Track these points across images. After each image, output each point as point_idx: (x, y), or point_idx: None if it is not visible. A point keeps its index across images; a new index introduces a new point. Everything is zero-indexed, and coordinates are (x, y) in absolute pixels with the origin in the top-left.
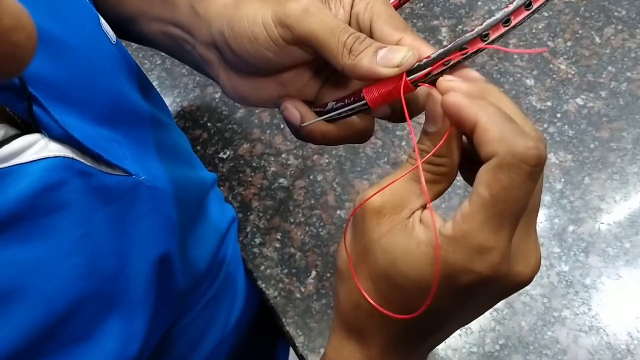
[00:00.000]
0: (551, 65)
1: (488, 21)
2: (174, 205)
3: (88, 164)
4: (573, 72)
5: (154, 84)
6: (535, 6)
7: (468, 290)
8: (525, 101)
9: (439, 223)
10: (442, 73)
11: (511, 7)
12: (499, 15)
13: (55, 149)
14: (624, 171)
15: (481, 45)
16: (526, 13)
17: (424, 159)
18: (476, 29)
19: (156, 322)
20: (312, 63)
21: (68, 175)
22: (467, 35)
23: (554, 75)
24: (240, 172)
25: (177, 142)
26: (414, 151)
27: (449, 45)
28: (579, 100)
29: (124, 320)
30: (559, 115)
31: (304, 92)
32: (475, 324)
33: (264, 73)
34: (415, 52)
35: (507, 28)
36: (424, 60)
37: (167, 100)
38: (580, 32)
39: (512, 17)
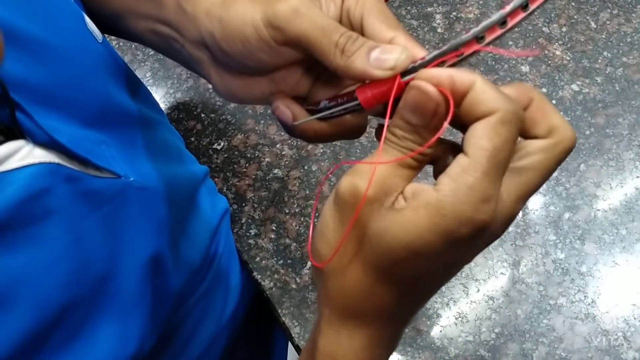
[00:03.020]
0: (546, 52)
1: (484, 23)
2: (164, 205)
3: (75, 168)
4: (568, 58)
5: (147, 75)
6: (532, 7)
7: (470, 240)
8: None
9: (427, 187)
10: None
11: (508, 8)
12: (495, 16)
13: (40, 155)
14: (619, 157)
15: (477, 47)
16: (523, 15)
17: (415, 152)
18: (472, 31)
19: (153, 320)
20: (305, 60)
21: (54, 181)
22: (463, 37)
23: (549, 62)
24: (235, 163)
25: (167, 139)
26: (392, 135)
27: (444, 47)
28: (575, 87)
29: (117, 321)
30: (554, 101)
31: (297, 89)
32: (471, 313)
33: (255, 72)
34: (409, 52)
35: (503, 30)
36: (419, 61)
37: (160, 91)
38: (575, 17)
39: (508, 19)
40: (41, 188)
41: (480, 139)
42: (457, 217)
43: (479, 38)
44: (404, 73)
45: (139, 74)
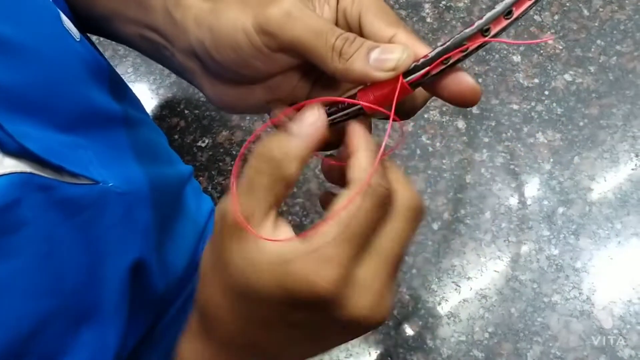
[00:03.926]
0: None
1: (488, 14)
2: (147, 208)
3: (48, 176)
4: (561, 47)
5: (129, 70)
6: None
7: (308, 305)
8: (512, 79)
9: (289, 234)
10: (441, 72)
11: None
12: (499, 7)
13: (10, 165)
14: (614, 149)
15: (482, 40)
16: (529, 3)
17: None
18: (476, 24)
19: (133, 327)
20: (301, 65)
21: (26, 191)
22: (467, 30)
23: (541, 51)
24: (220, 161)
25: (151, 139)
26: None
27: (448, 43)
28: (567, 77)
29: (96, 332)
30: (546, 92)
31: (294, 95)
32: (463, 312)
33: (250, 80)
34: (411, 51)
35: (509, 21)
36: (421, 60)
37: (142, 87)
38: (567, 4)
39: (514, 9)
40: (12, 199)
41: (336, 204)
42: (298, 276)
43: (484, 31)
44: (407, 73)
45: (120, 70)
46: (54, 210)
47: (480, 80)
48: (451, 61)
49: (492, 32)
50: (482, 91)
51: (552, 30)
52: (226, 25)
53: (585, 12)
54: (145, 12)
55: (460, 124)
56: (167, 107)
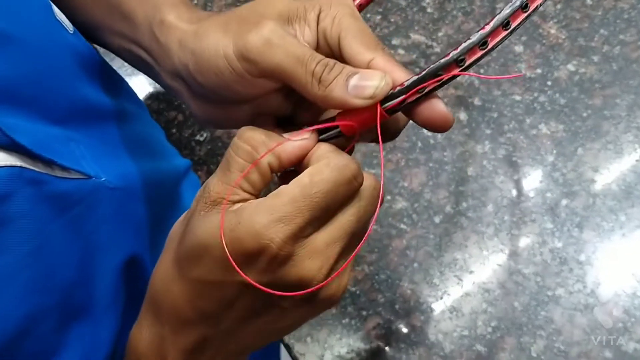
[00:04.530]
0: (540, 30)
1: (463, 45)
2: (142, 204)
3: (39, 170)
4: (564, 37)
5: (125, 64)
6: (513, 25)
7: (253, 257)
8: (514, 69)
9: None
10: (417, 101)
11: (488, 28)
12: (474, 38)
13: (0, 159)
14: (618, 140)
15: (456, 72)
16: (504, 33)
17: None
18: (451, 54)
19: (127, 324)
20: (284, 87)
21: (16, 185)
22: (442, 60)
23: (544, 41)
24: (219, 155)
25: (147, 132)
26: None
27: (423, 72)
28: (571, 67)
29: (88, 329)
30: (549, 83)
31: (280, 110)
32: (466, 306)
33: (235, 101)
34: (389, 79)
35: (483, 51)
36: (398, 88)
37: (140, 80)
38: None
39: (489, 40)
40: (1, 193)
41: (303, 175)
42: (247, 227)
43: (458, 61)
44: (384, 100)
45: (115, 63)
46: (45, 204)
47: (482, 71)
48: (426, 90)
49: (467, 62)
50: (453, 120)
51: (555, 20)
52: (208, 49)
53: (588, 1)
54: (131, 27)
55: (462, 115)
56: (165, 101)
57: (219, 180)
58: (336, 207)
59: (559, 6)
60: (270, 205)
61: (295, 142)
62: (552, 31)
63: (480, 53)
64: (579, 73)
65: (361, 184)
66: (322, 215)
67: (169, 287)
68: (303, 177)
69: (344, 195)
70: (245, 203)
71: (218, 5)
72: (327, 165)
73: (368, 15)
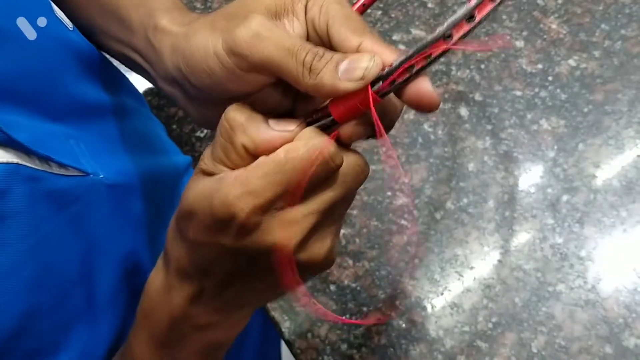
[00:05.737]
0: (541, 25)
1: (450, 19)
2: (141, 200)
3: (37, 167)
4: (564, 32)
5: None
6: None
7: (225, 225)
8: (515, 64)
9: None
10: (407, 80)
11: (474, 1)
12: (460, 12)
13: None
14: (619, 135)
15: (445, 46)
16: (492, 5)
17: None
18: (438, 30)
19: (127, 321)
20: (280, 80)
21: (13, 182)
22: (429, 37)
23: (545, 36)
24: None
25: (147, 129)
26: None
27: (411, 51)
28: (572, 62)
29: (88, 326)
30: (550, 78)
31: (280, 107)
32: (466, 302)
33: (231, 100)
34: (378, 59)
35: (471, 25)
36: (387, 68)
37: (139, 76)
38: None
39: (476, 12)
40: None
41: (280, 150)
42: (222, 197)
43: (446, 37)
44: (374, 82)
45: (115, 60)
46: (43, 201)
47: (482, 66)
48: (415, 69)
49: (455, 37)
50: (439, 101)
51: (556, 15)
52: (197, 50)
53: None
54: (127, 32)
55: (463, 111)
56: (165, 97)
57: (208, 152)
58: (315, 184)
59: (559, 1)
60: (245, 177)
61: (274, 131)
62: (553, 26)
63: (468, 27)
64: (580, 68)
65: (339, 165)
66: (296, 190)
67: (173, 242)
68: (279, 153)
69: (321, 174)
70: (227, 172)
71: (218, 2)
72: (304, 145)
73: (369, 11)
